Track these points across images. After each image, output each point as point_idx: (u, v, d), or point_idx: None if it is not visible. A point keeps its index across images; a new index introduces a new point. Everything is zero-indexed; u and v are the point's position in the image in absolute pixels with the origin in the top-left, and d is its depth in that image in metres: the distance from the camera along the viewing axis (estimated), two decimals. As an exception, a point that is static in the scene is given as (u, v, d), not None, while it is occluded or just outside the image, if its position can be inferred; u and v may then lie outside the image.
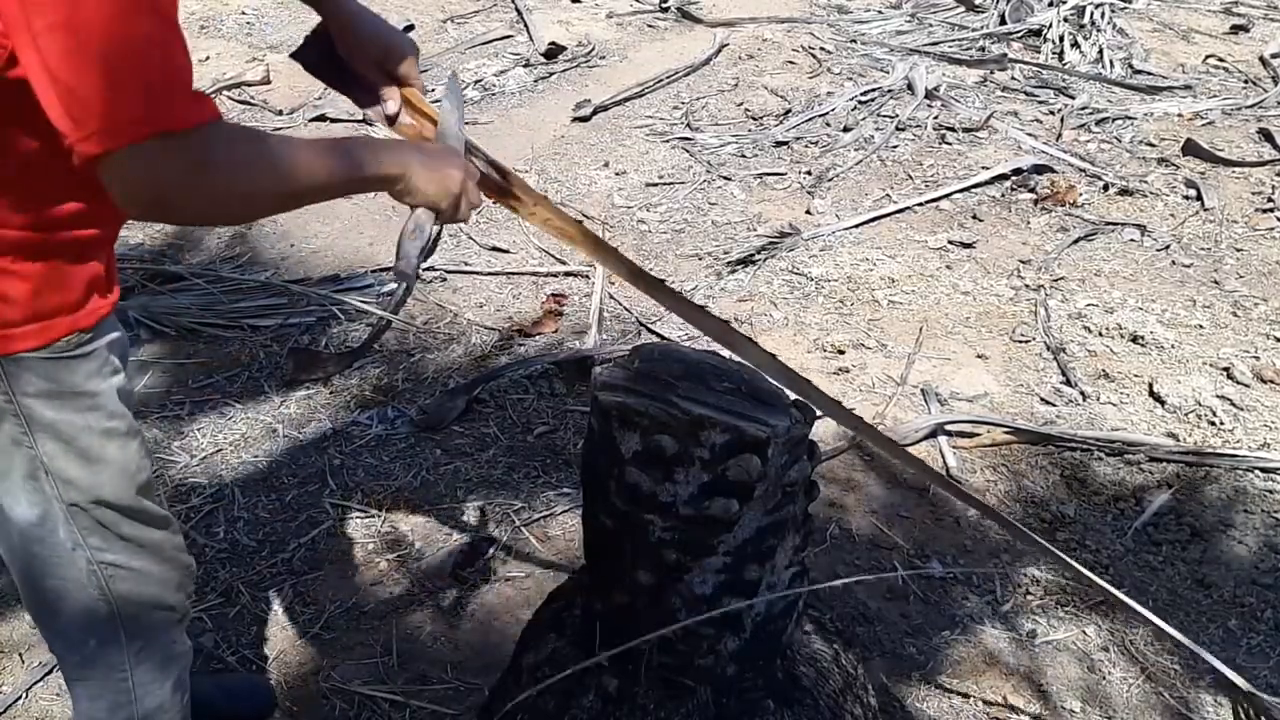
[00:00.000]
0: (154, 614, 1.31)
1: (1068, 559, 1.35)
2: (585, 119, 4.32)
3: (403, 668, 1.92)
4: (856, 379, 2.76)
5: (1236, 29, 5.47)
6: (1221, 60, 5.05)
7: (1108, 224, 3.57)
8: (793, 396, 1.29)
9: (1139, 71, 4.90)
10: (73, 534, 1.19)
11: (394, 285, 3.05)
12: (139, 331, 2.82)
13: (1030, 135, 4.19)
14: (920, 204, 3.68)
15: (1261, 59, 5.04)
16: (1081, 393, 2.72)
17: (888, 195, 3.77)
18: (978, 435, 2.56)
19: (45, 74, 0.88)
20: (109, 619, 1.27)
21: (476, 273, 3.22)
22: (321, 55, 1.40)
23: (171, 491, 2.30)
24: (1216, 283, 3.25)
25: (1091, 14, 5.39)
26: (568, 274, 3.23)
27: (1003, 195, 3.77)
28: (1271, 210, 3.66)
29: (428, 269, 3.14)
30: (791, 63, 4.97)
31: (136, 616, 1.29)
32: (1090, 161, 3.99)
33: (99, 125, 0.88)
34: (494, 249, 3.36)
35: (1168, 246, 3.44)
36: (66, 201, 1.09)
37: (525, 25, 5.29)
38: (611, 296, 3.09)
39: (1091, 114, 4.40)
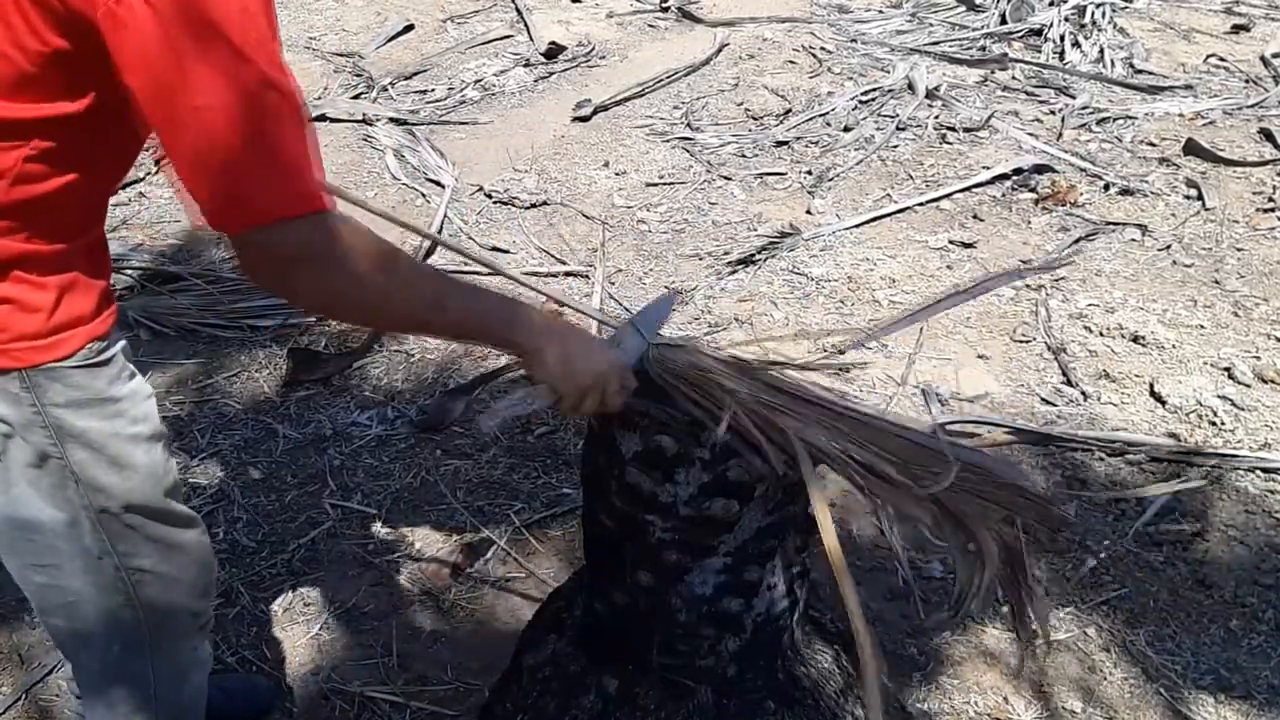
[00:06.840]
0: (179, 619, 1.32)
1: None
2: (585, 119, 4.32)
3: (403, 668, 1.92)
4: (857, 379, 2.76)
5: (1237, 28, 5.46)
6: (1222, 60, 5.04)
7: (1108, 224, 3.56)
8: None
9: (1140, 71, 4.90)
10: (100, 541, 1.20)
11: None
12: (139, 332, 2.82)
13: (1031, 135, 4.18)
14: (921, 204, 3.68)
15: (1263, 58, 5.03)
16: (1082, 393, 2.72)
17: (888, 195, 3.76)
18: (978, 435, 2.55)
19: (188, 152, 0.93)
20: (134, 625, 1.28)
21: (476, 273, 3.21)
22: None
23: (171, 492, 2.30)
24: (1217, 282, 3.24)
25: (1092, 13, 5.38)
26: (568, 274, 3.22)
27: (1003, 195, 3.76)
28: (1273, 210, 3.65)
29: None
30: (792, 62, 4.97)
31: (162, 623, 1.30)
32: (1091, 161, 3.98)
33: (237, 206, 0.95)
34: (494, 249, 3.35)
35: (1168, 246, 3.44)
36: (92, 217, 1.14)
37: (525, 25, 5.29)
38: (611, 297, 3.08)
39: (1092, 114, 4.39)
